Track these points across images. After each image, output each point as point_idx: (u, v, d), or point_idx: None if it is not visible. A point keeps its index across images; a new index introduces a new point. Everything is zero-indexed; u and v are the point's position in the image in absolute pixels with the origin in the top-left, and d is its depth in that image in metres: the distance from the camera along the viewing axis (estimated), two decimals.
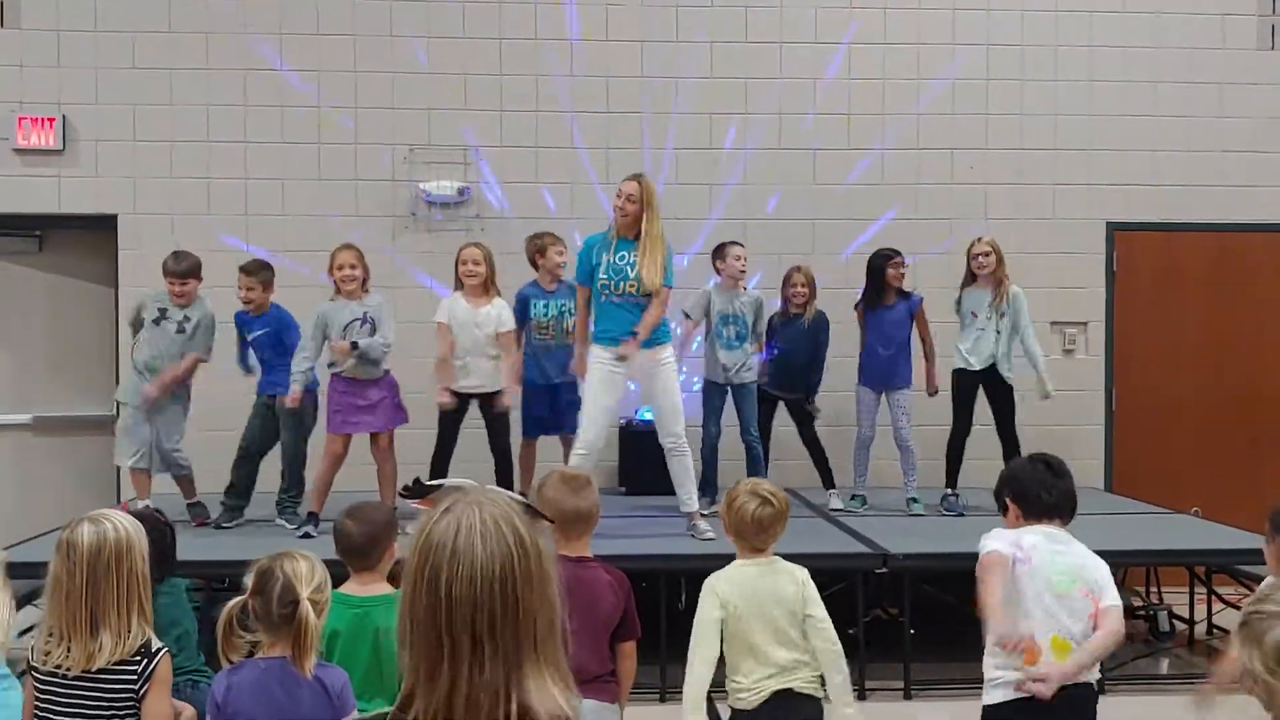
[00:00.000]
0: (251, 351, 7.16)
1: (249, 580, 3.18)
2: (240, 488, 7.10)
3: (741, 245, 7.52)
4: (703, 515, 6.62)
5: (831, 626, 3.94)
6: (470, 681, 1.61)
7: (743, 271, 7.47)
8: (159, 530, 4.17)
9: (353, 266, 6.79)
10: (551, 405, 7.28)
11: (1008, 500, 3.92)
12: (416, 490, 1.82)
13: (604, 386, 6.48)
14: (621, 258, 6.43)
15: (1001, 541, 3.72)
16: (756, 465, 7.35)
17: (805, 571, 4.01)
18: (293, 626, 3.08)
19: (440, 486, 1.79)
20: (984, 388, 7.60)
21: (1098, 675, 3.77)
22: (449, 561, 1.63)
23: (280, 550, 3.26)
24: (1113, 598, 3.74)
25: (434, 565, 1.64)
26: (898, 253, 7.74)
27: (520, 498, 1.75)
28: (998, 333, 7.49)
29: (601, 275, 6.47)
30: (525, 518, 1.71)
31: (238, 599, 3.17)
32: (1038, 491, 3.84)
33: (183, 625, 4.28)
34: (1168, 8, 8.92)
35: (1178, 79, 8.90)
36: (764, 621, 3.86)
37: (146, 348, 6.98)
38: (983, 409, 7.65)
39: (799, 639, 3.90)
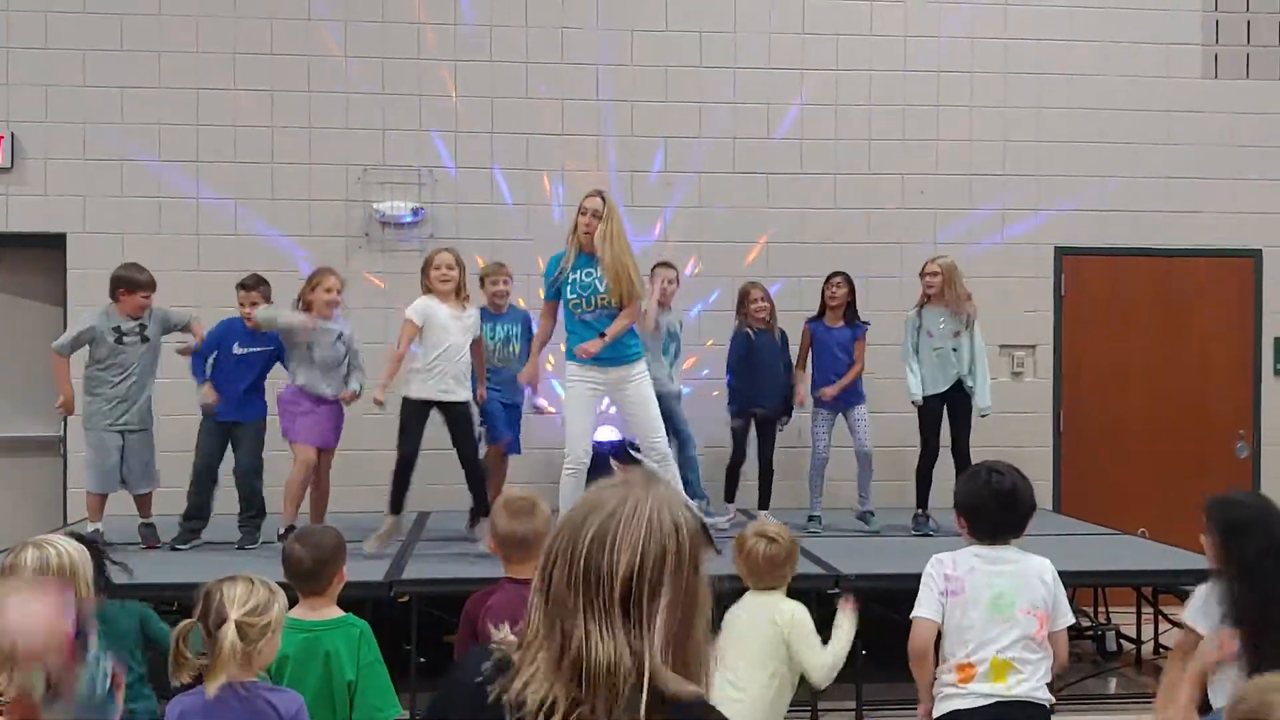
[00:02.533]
0: (209, 364, 7.03)
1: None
2: (200, 510, 7.05)
3: (674, 267, 7.80)
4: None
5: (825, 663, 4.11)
6: (598, 641, 1.64)
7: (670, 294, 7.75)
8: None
9: (339, 292, 6.90)
10: (489, 419, 7.32)
11: (958, 512, 3.94)
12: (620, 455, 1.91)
13: (583, 402, 6.51)
14: (588, 274, 6.44)
15: (930, 594, 3.78)
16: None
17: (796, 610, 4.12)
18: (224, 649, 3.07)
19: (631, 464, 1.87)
20: (946, 407, 7.71)
21: (1051, 698, 3.79)
22: (612, 527, 1.69)
23: (234, 574, 3.24)
24: (1063, 617, 3.79)
25: (589, 524, 1.70)
26: (836, 274, 7.87)
27: (696, 508, 1.81)
28: (954, 350, 7.59)
29: (570, 295, 6.48)
30: (691, 515, 1.76)
31: (187, 621, 3.14)
32: (983, 514, 3.85)
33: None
34: (1114, 37, 9.07)
35: (1125, 106, 9.05)
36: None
37: (113, 371, 6.87)
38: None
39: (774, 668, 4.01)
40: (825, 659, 4.11)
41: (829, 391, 7.74)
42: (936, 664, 3.80)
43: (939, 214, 8.92)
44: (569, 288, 6.48)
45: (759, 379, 7.75)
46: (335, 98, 8.51)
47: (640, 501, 1.71)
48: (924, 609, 3.79)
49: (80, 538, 4.10)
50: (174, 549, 6.90)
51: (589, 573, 1.67)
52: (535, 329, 7.42)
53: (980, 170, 8.97)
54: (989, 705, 3.65)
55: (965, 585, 3.73)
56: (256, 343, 7.01)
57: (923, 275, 7.72)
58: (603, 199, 6.45)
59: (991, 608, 3.70)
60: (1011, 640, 3.68)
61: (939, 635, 3.80)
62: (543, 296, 6.78)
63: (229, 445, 7.08)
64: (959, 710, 3.68)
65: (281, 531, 6.73)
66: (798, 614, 4.10)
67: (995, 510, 3.82)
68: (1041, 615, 3.73)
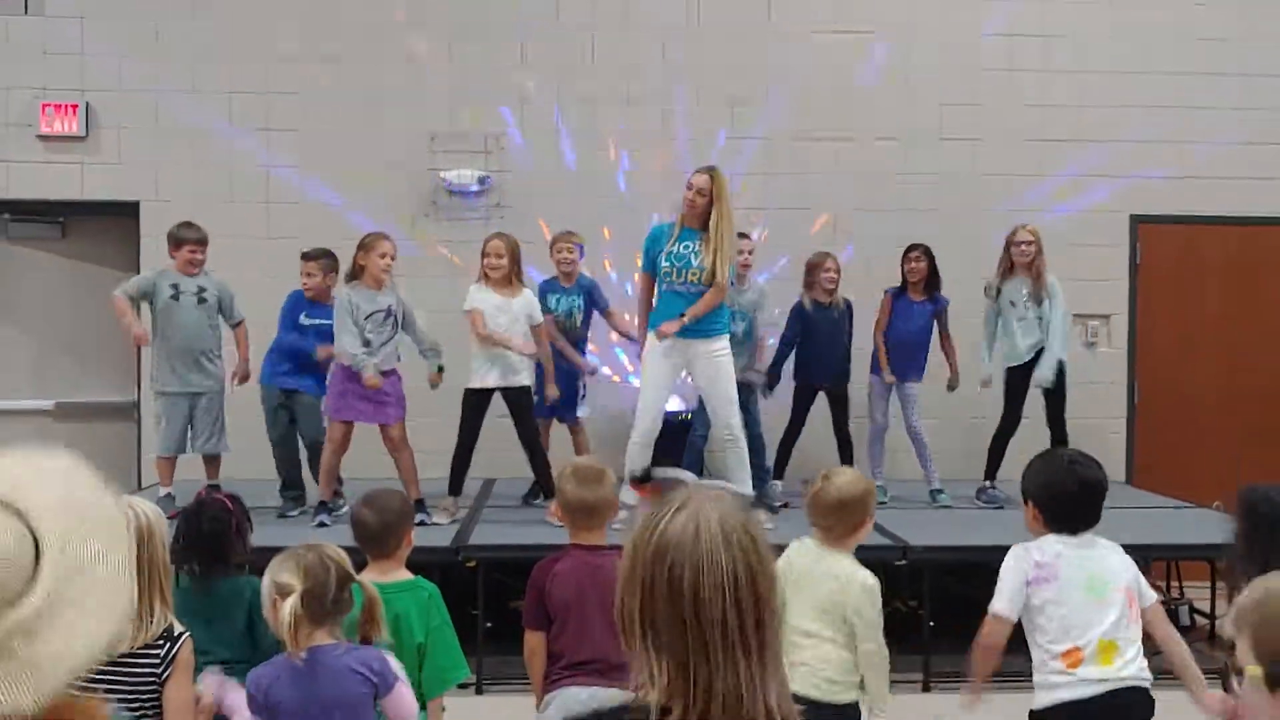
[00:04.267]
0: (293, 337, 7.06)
1: (282, 578, 3.17)
2: (292, 479, 7.13)
3: (749, 237, 7.61)
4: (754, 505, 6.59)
5: (879, 640, 3.86)
6: (725, 680, 1.63)
7: (747, 266, 7.51)
8: (217, 516, 4.08)
9: (393, 258, 6.70)
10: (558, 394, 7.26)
11: (1030, 502, 3.80)
12: (643, 479, 1.86)
13: (659, 374, 6.49)
14: (686, 247, 6.41)
15: (1012, 587, 3.64)
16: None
17: (867, 579, 3.87)
18: (345, 613, 3.21)
19: (665, 478, 1.83)
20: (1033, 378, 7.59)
21: (1151, 676, 3.67)
22: (691, 562, 1.65)
23: (293, 549, 3.26)
24: (1151, 594, 3.72)
25: (674, 564, 1.65)
26: (915, 247, 7.74)
27: (737, 493, 1.77)
28: (1039, 320, 7.47)
29: (664, 263, 6.45)
30: (751, 517, 1.74)
31: (294, 595, 3.14)
32: (1066, 505, 3.71)
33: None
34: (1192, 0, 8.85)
35: (1203, 70, 8.82)
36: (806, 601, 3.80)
37: (175, 330, 6.96)
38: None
39: (833, 634, 3.82)
40: (876, 645, 3.87)
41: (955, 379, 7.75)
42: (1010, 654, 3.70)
43: (1013, 179, 8.76)
44: (665, 258, 6.43)
45: (816, 354, 7.61)
46: (403, 66, 8.52)
47: (711, 529, 1.67)
48: (1003, 603, 3.65)
49: (221, 502, 4.08)
50: (282, 517, 6.96)
51: (699, 614, 1.63)
52: (600, 300, 7.42)
53: (1054, 136, 8.80)
54: (1102, 694, 3.54)
55: (1059, 570, 3.61)
56: (319, 314, 7.02)
57: (1013, 244, 7.52)
58: (711, 177, 6.37)
59: (1088, 590, 3.60)
60: (1112, 621, 3.58)
61: (1019, 626, 3.69)
62: (639, 266, 6.74)
63: (291, 414, 7.10)
64: (1069, 701, 3.56)
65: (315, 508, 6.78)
66: (870, 582, 3.87)
67: (1079, 502, 3.71)
68: (1132, 596, 3.65)
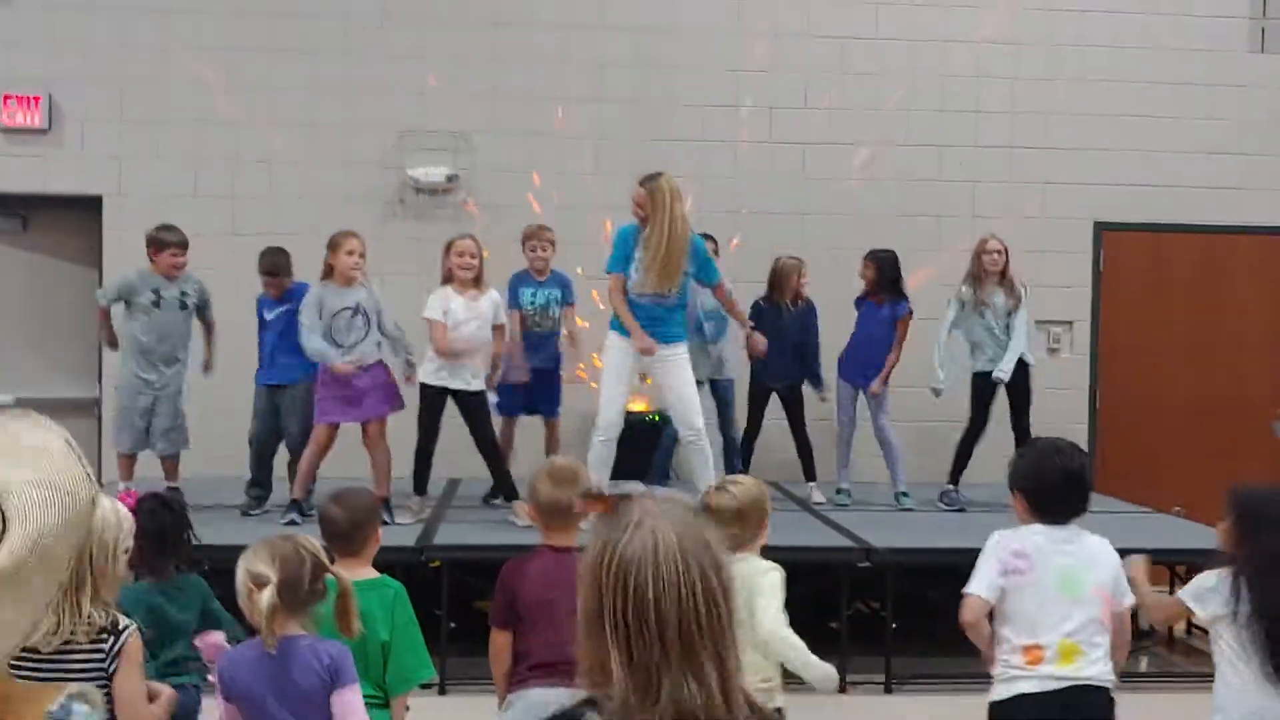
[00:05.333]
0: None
1: (255, 568, 3.16)
2: (260, 477, 7.12)
3: (714, 239, 7.59)
4: None
5: (771, 618, 3.67)
6: (689, 691, 1.65)
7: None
8: (170, 513, 4.14)
9: (361, 255, 6.64)
10: (532, 388, 7.27)
11: (1017, 491, 3.80)
12: (594, 498, 1.82)
13: (619, 370, 6.53)
14: (639, 258, 6.43)
15: (989, 571, 3.65)
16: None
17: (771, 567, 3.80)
18: (319, 604, 3.22)
19: (615, 492, 1.80)
20: (1005, 385, 7.62)
21: (1114, 679, 3.67)
22: (654, 580, 1.66)
23: (268, 538, 3.25)
24: (1129, 598, 3.72)
25: (637, 583, 1.66)
26: (869, 254, 7.80)
27: (693, 503, 1.76)
28: (1008, 328, 7.53)
29: (631, 271, 6.46)
30: (709, 526, 1.75)
31: (271, 586, 3.14)
32: (1052, 494, 3.72)
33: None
34: (1159, 9, 8.93)
35: (1169, 80, 8.91)
36: None
37: (149, 333, 6.88)
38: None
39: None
40: (779, 627, 3.70)
41: (875, 386, 7.69)
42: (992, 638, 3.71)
43: (977, 187, 8.82)
44: (632, 264, 6.42)
45: (769, 355, 7.51)
46: (372, 62, 8.48)
47: (669, 545, 1.68)
48: (979, 585, 3.65)
49: (165, 499, 4.15)
50: (245, 515, 6.92)
51: (663, 630, 1.65)
52: (570, 296, 7.39)
53: (1020, 143, 8.86)
54: (1059, 690, 3.55)
55: (1034, 564, 3.62)
56: (279, 304, 7.05)
57: (983, 253, 7.56)
58: (648, 190, 6.33)
59: (1061, 588, 3.59)
60: (1079, 623, 3.57)
61: (991, 614, 3.69)
62: (608, 270, 6.58)
63: (279, 411, 7.10)
64: (1028, 694, 3.57)
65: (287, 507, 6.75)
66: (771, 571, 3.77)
67: (1065, 490, 3.71)
68: (1106, 595, 3.65)
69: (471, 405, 6.82)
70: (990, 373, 7.57)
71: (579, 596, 1.73)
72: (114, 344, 7.05)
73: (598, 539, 1.72)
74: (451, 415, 6.86)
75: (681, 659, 1.65)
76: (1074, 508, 3.74)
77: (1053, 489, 3.72)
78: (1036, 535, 3.69)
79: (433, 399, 6.79)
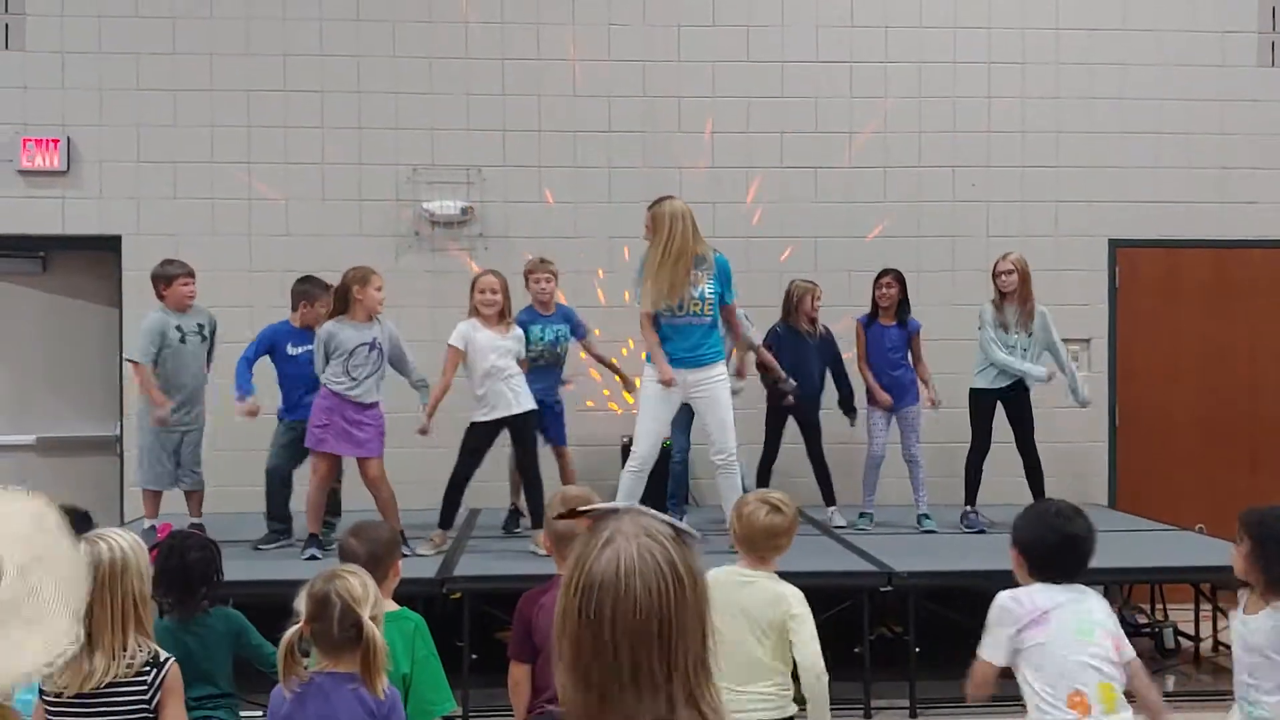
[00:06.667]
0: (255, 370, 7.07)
1: (301, 605, 3.16)
2: (280, 512, 7.12)
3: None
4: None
5: (810, 648, 3.88)
6: (635, 710, 1.63)
7: None
8: (201, 551, 4.20)
9: (383, 290, 6.65)
10: (538, 420, 7.19)
11: (1016, 548, 3.79)
12: (574, 516, 1.82)
13: (658, 403, 6.49)
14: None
15: (999, 637, 3.63)
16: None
17: (795, 595, 3.95)
18: (359, 648, 3.10)
19: (595, 510, 1.79)
20: (1003, 405, 7.63)
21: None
22: (614, 599, 1.64)
23: (323, 572, 3.26)
24: (1131, 650, 3.70)
25: (598, 602, 1.64)
26: (886, 272, 7.81)
27: (672, 521, 1.74)
28: (1024, 350, 7.52)
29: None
30: (680, 545, 1.71)
31: (295, 627, 3.15)
32: (1052, 557, 3.71)
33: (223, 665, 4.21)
34: (1168, 25, 8.94)
35: (1179, 96, 8.92)
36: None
37: (178, 371, 6.95)
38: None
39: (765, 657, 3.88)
40: (818, 659, 3.91)
41: (932, 395, 7.79)
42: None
43: (990, 206, 8.83)
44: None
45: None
46: (384, 98, 8.55)
47: (632, 563, 1.65)
48: (991, 651, 3.64)
49: (193, 538, 4.23)
50: (257, 549, 6.92)
51: (616, 648, 1.63)
52: (580, 328, 7.42)
53: (1032, 163, 8.88)
54: None
55: (1050, 616, 3.60)
56: (307, 340, 6.98)
57: (997, 274, 7.58)
58: (652, 213, 6.41)
59: (1079, 633, 3.58)
60: (1103, 663, 3.56)
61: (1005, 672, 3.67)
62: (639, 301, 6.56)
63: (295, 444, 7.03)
64: None
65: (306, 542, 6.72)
66: (799, 596, 3.95)
67: (1066, 555, 3.72)
68: (1115, 642, 3.64)
69: (518, 426, 6.80)
70: (988, 389, 7.58)
71: (555, 619, 1.71)
72: (161, 400, 6.88)
73: (572, 557, 1.71)
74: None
75: (633, 679, 1.62)
76: (1070, 570, 3.73)
77: (1054, 552, 3.72)
78: (1043, 591, 3.68)
79: (483, 433, 6.77)
